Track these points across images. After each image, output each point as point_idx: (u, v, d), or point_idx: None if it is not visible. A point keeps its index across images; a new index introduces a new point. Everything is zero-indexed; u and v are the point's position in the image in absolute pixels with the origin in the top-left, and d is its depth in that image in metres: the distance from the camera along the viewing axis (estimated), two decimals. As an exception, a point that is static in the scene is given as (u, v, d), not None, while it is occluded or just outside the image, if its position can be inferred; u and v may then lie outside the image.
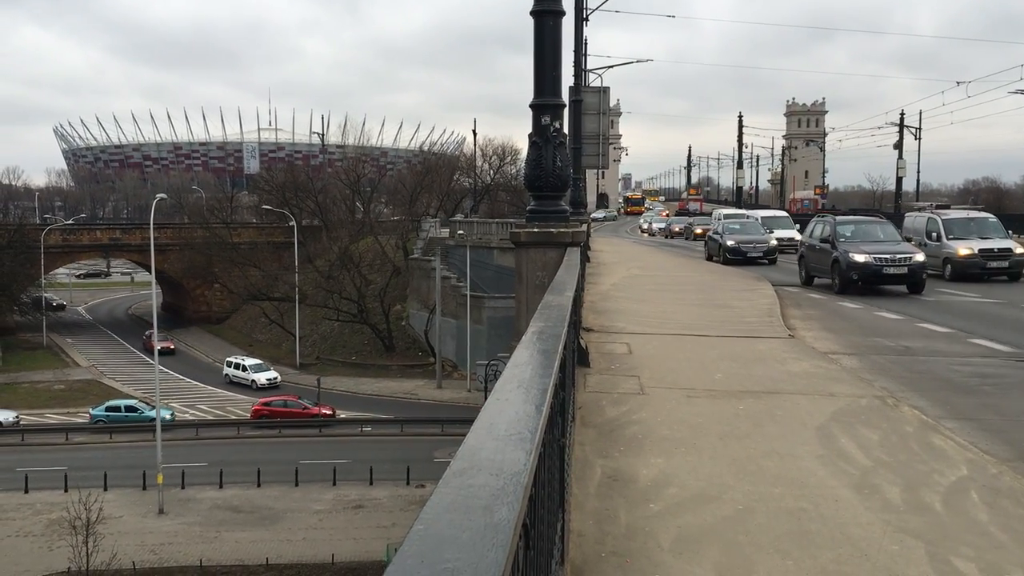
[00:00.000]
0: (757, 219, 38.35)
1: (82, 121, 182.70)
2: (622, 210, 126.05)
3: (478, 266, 61.17)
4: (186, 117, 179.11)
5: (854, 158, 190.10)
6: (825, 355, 11.97)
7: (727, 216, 42.96)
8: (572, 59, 29.28)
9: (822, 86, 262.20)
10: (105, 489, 38.86)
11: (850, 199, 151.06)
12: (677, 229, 64.25)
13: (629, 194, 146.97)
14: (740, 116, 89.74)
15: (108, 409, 53.67)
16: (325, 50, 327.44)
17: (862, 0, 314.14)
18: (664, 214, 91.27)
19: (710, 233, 35.86)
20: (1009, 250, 24.31)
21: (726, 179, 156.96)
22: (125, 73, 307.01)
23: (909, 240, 24.60)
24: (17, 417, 53.38)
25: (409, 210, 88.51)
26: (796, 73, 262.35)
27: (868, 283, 20.72)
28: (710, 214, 66.26)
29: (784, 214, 47.49)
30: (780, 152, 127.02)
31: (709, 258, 34.18)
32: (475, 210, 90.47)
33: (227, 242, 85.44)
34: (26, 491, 39.75)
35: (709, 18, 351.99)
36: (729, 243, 32.09)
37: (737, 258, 31.31)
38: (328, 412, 53.30)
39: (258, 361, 67.31)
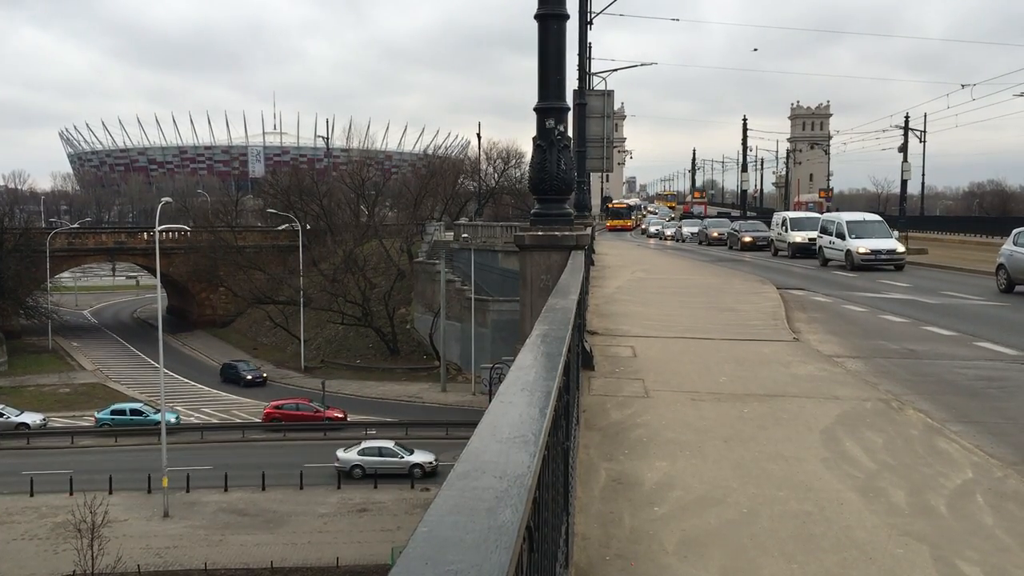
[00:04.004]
0: None
1: (87, 125, 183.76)
2: (603, 222, 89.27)
3: (483, 269, 61.18)
4: (191, 121, 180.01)
5: (859, 161, 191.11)
6: (830, 358, 11.95)
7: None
8: (576, 62, 29.31)
9: (828, 88, 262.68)
10: (110, 492, 38.90)
11: (855, 202, 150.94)
12: (716, 235, 52.87)
13: (615, 202, 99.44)
14: (744, 119, 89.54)
15: (113, 412, 53.78)
16: (328, 52, 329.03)
17: (871, 0, 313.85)
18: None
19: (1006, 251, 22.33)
20: None
21: (730, 182, 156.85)
22: (127, 76, 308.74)
23: None
24: (45, 420, 53.56)
25: (414, 213, 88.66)
26: (802, 76, 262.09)
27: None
28: (766, 219, 55.68)
29: (877, 218, 35.84)
30: (785, 155, 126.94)
31: (1009, 289, 22.05)
32: (480, 213, 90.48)
33: (232, 245, 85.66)
34: (31, 494, 39.82)
35: (715, 21, 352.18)
36: None
37: None
38: (340, 415, 53.29)
39: None
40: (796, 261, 36.03)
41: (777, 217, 43.81)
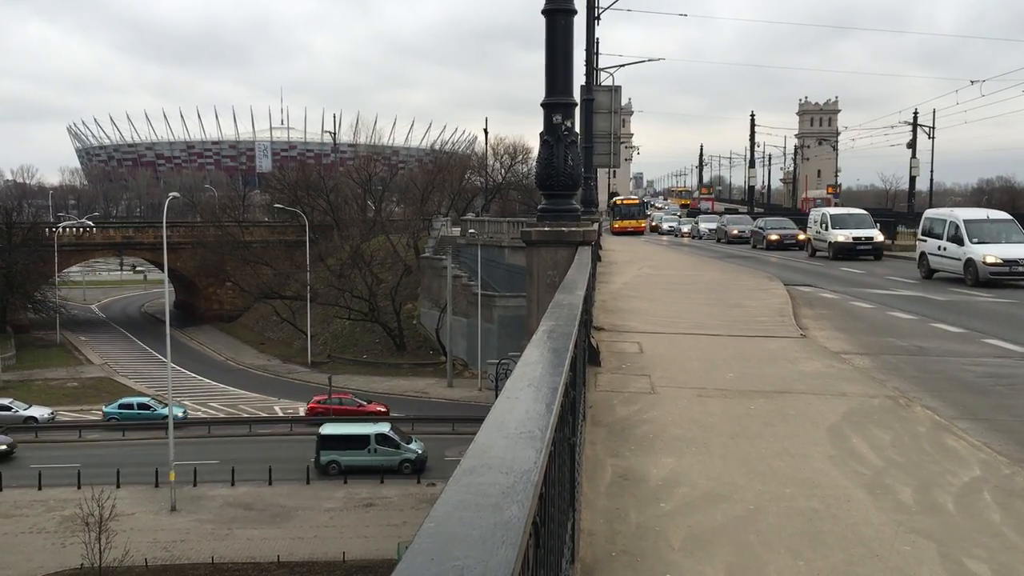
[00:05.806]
0: None
1: (95, 120, 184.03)
2: (609, 223, 67.56)
3: (489, 265, 61.12)
4: (198, 116, 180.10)
5: (867, 157, 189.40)
6: (837, 355, 11.92)
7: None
8: (584, 58, 29.24)
9: (838, 84, 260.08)
10: (118, 486, 39.06)
11: (863, 198, 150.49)
12: (736, 232, 49.67)
13: (622, 199, 76.26)
14: (752, 115, 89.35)
15: (121, 407, 53.93)
16: (334, 47, 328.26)
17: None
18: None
19: None
20: None
21: (738, 178, 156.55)
22: (133, 70, 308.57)
23: None
24: (53, 413, 53.80)
25: (420, 209, 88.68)
26: (812, 71, 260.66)
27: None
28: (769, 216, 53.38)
29: (1007, 216, 27.54)
30: (792, 151, 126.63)
31: None
32: (486, 209, 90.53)
33: (239, 240, 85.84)
34: (39, 488, 39.99)
35: (724, 16, 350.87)
36: None
37: None
38: (383, 410, 53.48)
39: None
40: (839, 263, 31.72)
41: (815, 214, 38.86)
